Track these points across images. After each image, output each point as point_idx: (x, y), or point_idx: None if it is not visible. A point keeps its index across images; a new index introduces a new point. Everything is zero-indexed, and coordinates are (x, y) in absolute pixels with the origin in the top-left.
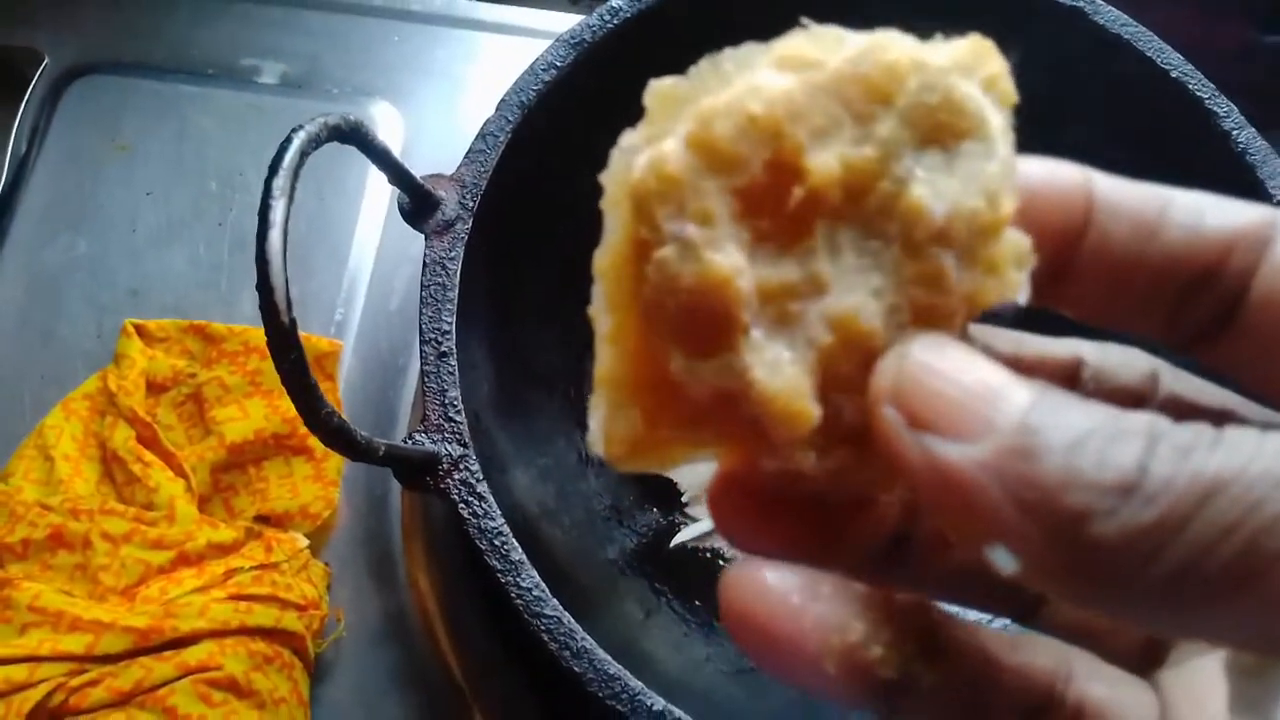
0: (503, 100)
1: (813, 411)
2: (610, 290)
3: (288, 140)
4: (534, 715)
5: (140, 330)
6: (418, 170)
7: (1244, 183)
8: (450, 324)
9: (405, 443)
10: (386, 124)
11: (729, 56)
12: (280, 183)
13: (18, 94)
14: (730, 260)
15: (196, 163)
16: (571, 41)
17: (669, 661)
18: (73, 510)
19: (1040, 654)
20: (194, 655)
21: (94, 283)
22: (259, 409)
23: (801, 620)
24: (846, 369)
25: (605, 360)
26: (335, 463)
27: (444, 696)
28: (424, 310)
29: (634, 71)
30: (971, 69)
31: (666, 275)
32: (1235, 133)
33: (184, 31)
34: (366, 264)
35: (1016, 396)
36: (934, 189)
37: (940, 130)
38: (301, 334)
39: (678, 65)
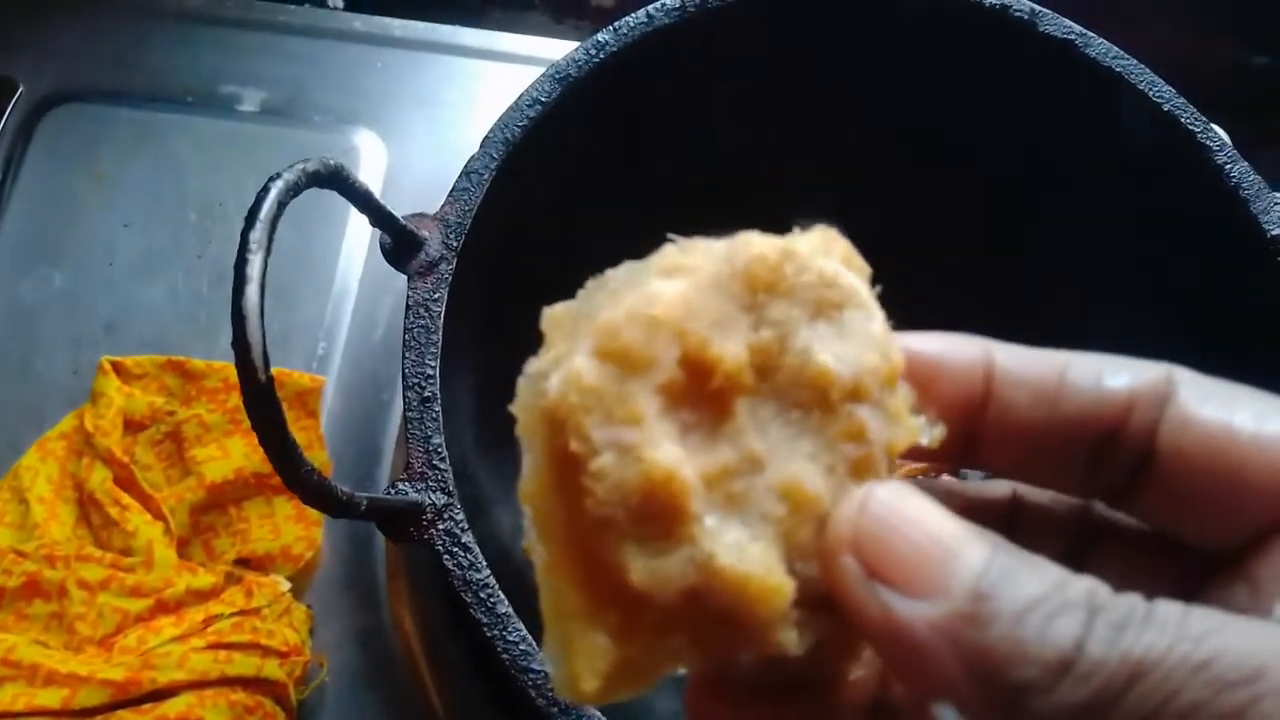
0: (487, 137)
1: (787, 584)
2: (541, 521)
3: (265, 189)
4: None
5: (117, 367)
6: (402, 201)
7: (1237, 217)
8: (434, 369)
9: (388, 493)
10: (370, 153)
11: (612, 277)
12: (257, 235)
13: None
14: (670, 454)
15: (175, 193)
16: (557, 76)
17: (662, 711)
18: (48, 557)
19: None
20: (173, 708)
21: (70, 317)
22: (239, 448)
23: None
24: (803, 537)
25: (551, 595)
26: None
27: None
28: (407, 355)
29: (619, 105)
30: (827, 252)
31: (609, 483)
32: (1228, 167)
33: (162, 58)
34: (350, 296)
35: (971, 554)
36: (835, 354)
37: (822, 305)
38: (284, 370)
39: (660, 98)
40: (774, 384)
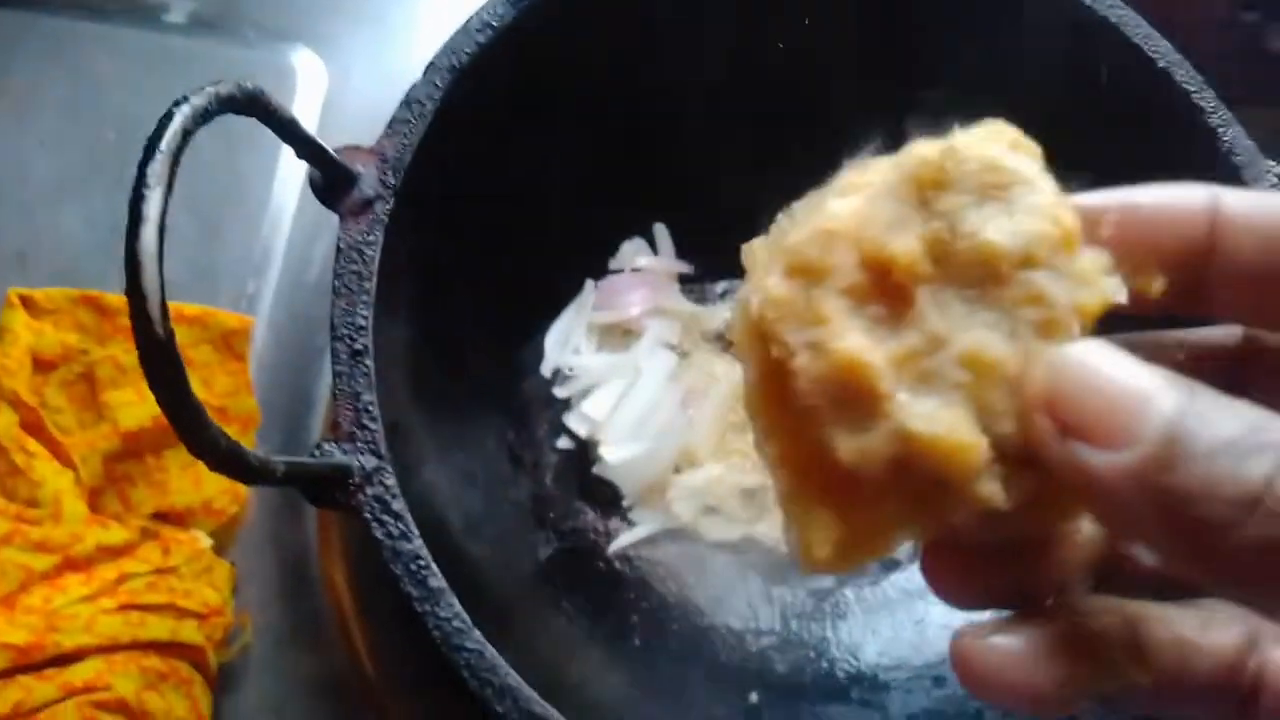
0: (431, 63)
1: (978, 440)
2: (763, 423)
3: (168, 115)
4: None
5: (26, 301)
6: (343, 130)
7: (1229, 181)
8: (367, 319)
9: (313, 455)
10: (308, 74)
11: (797, 208)
12: (156, 168)
13: None
14: (855, 343)
15: (94, 111)
16: None
17: (596, 685)
18: None
19: (1229, 628)
20: (80, 674)
21: None
22: None
23: (1033, 674)
24: (993, 400)
25: (781, 483)
26: None
27: (361, 706)
28: (336, 303)
29: (580, 32)
30: (994, 139)
31: (808, 377)
32: (1222, 130)
33: None
34: (282, 230)
35: (1163, 401)
36: (1000, 229)
37: (987, 189)
38: (209, 309)
39: (617, 27)
40: (950, 270)
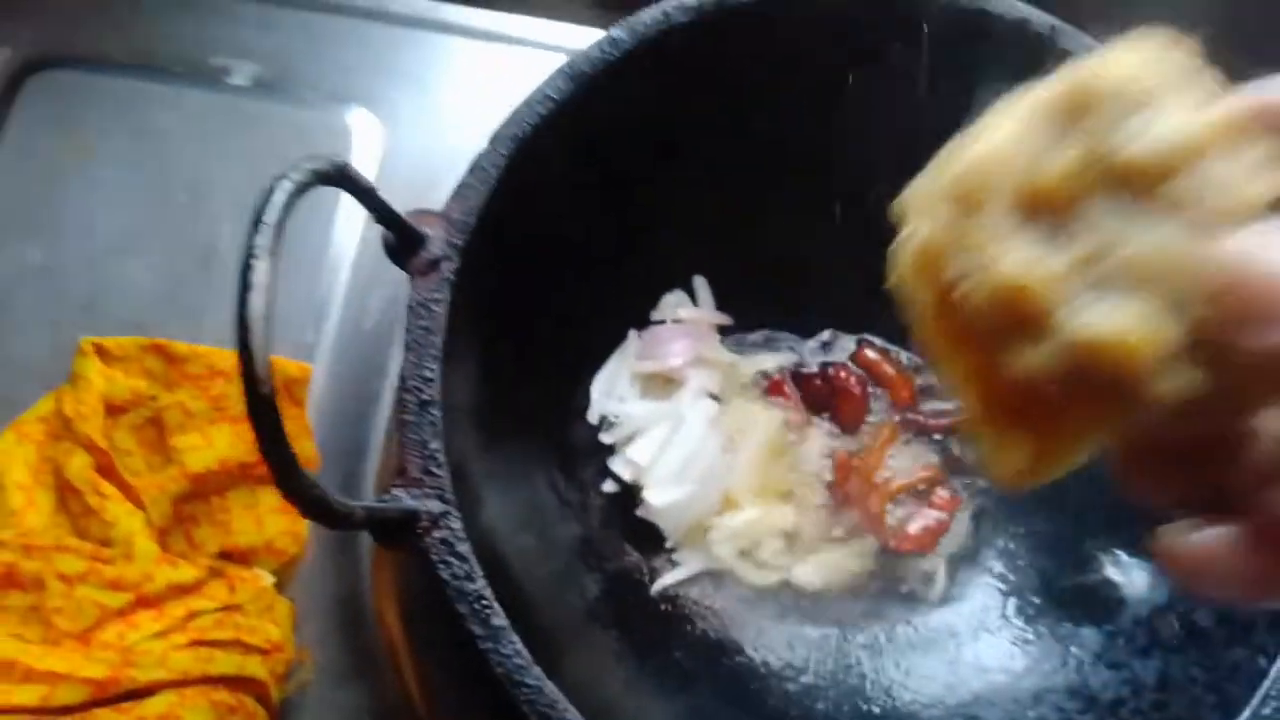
0: (496, 134)
1: (1162, 330)
2: (941, 352)
3: (271, 190)
4: None
5: (99, 349)
6: (397, 185)
7: None
8: (434, 371)
9: (383, 500)
10: (364, 132)
11: (948, 150)
12: (263, 241)
13: None
14: (1015, 263)
15: (160, 167)
16: (569, 73)
17: (649, 717)
18: (26, 547)
19: None
20: (153, 708)
21: (48, 295)
22: (224, 436)
23: (1242, 564)
24: (1173, 291)
25: (969, 407)
26: None
27: None
28: (407, 356)
29: (630, 104)
30: (1138, 50)
31: (974, 300)
32: None
33: (150, 26)
34: (339, 283)
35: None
36: (1149, 136)
37: (1134, 100)
38: (272, 357)
39: (675, 97)
40: (1109, 182)
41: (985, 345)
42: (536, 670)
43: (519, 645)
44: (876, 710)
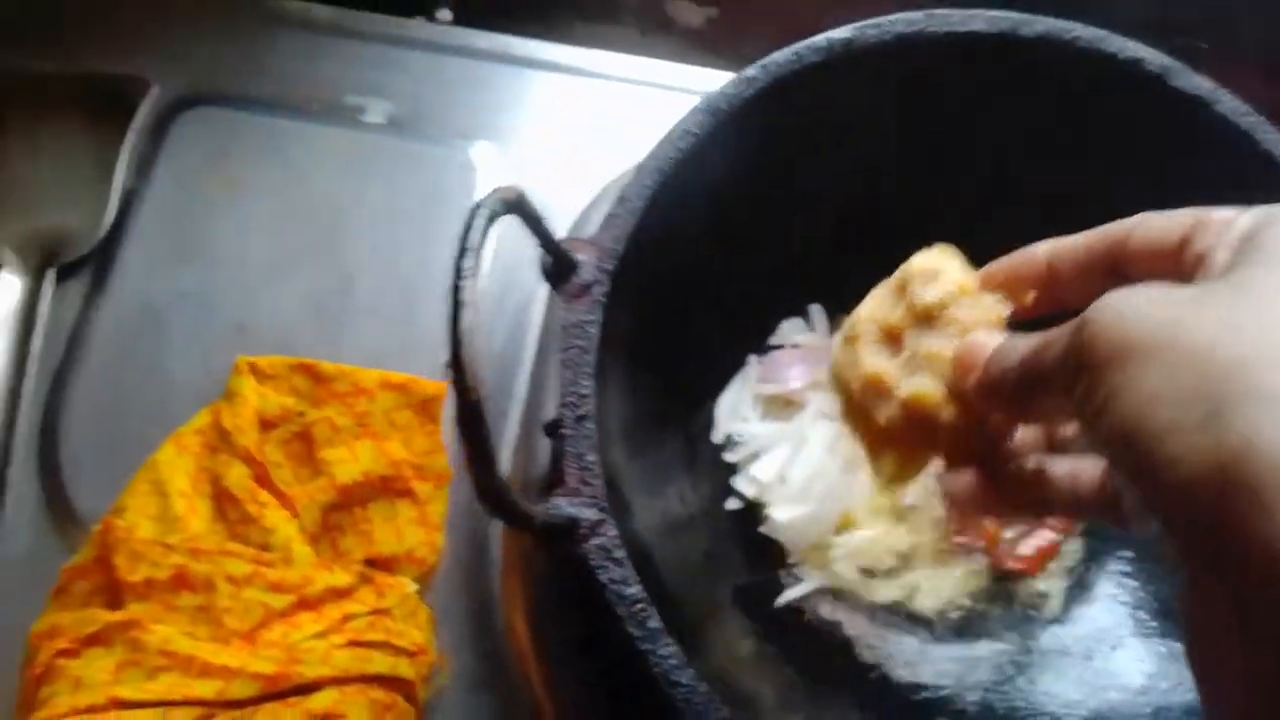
0: (641, 165)
1: (940, 392)
2: (848, 418)
3: (473, 216)
4: None
5: (253, 367)
6: None
7: None
8: (589, 388)
9: (547, 508)
10: (488, 167)
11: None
12: (469, 263)
13: (124, 123)
14: (872, 363)
15: (304, 199)
16: (708, 109)
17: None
18: (193, 551)
19: (1095, 463)
20: (319, 703)
21: (202, 318)
22: (367, 451)
23: (983, 497)
24: (944, 373)
25: (861, 444)
26: (438, 507)
27: None
28: (564, 373)
29: (761, 140)
30: (934, 255)
31: (857, 385)
32: None
33: (290, 67)
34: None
35: (994, 343)
36: (932, 294)
37: (927, 277)
38: (410, 376)
39: (802, 132)
40: (919, 318)
41: (865, 407)
42: (691, 671)
43: (675, 647)
44: (1014, 712)
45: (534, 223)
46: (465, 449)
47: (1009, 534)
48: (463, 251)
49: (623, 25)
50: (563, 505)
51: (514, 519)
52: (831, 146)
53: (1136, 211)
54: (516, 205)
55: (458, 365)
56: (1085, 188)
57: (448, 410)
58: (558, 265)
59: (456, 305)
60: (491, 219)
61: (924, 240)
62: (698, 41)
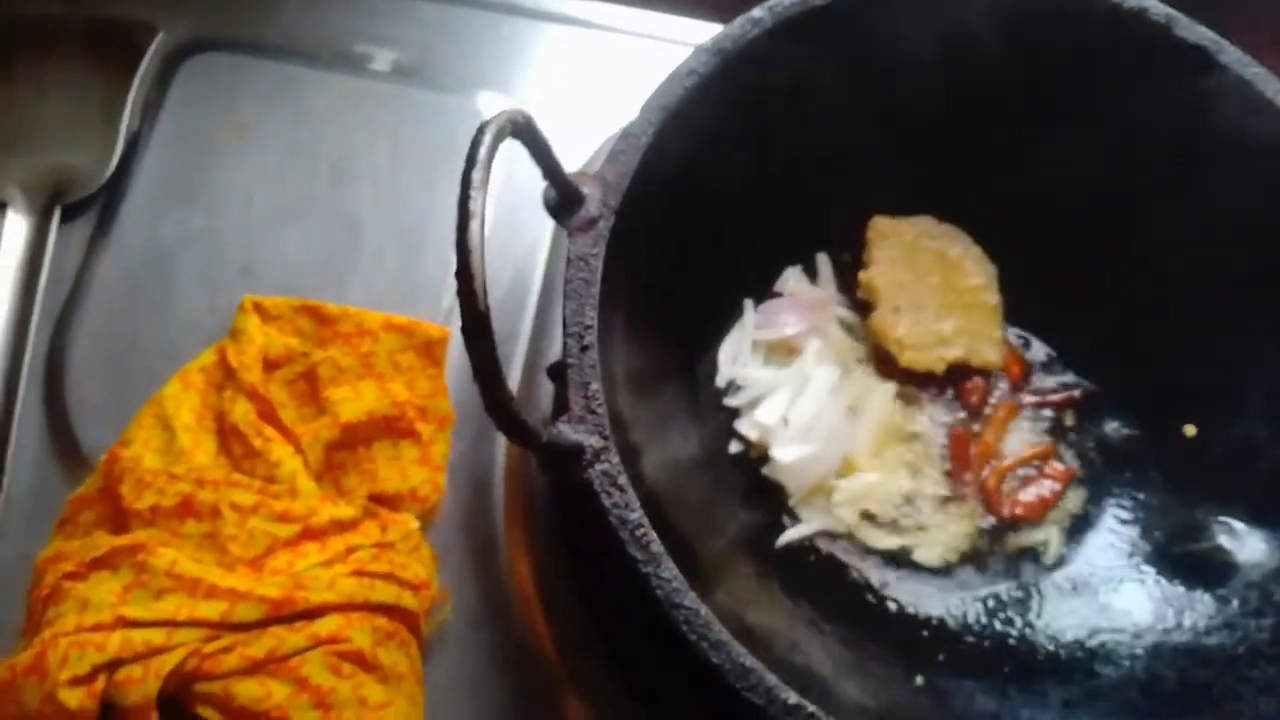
0: (646, 104)
1: None
2: None
3: (480, 133)
4: (623, 695)
5: (258, 307)
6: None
7: None
8: (593, 318)
9: (552, 430)
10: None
11: None
12: (478, 175)
13: (132, 67)
14: None
15: (311, 144)
16: (714, 49)
17: (795, 655)
18: (199, 480)
19: None
20: (324, 627)
21: (207, 258)
22: (371, 391)
23: None
24: None
25: None
26: (441, 448)
27: (540, 678)
28: (567, 304)
29: (766, 81)
30: None
31: None
32: None
33: (299, 14)
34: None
35: None
36: None
37: None
38: (413, 320)
39: (808, 74)
40: None
41: None
42: (693, 595)
43: (676, 571)
44: (1009, 658)
45: (541, 150)
46: (472, 360)
47: (1009, 482)
48: (471, 163)
49: None
50: (567, 431)
51: (520, 434)
52: (838, 90)
53: (1139, 156)
54: (524, 129)
55: (464, 274)
56: (1086, 133)
57: (451, 355)
58: (562, 198)
59: (465, 216)
60: (499, 136)
61: (936, 189)
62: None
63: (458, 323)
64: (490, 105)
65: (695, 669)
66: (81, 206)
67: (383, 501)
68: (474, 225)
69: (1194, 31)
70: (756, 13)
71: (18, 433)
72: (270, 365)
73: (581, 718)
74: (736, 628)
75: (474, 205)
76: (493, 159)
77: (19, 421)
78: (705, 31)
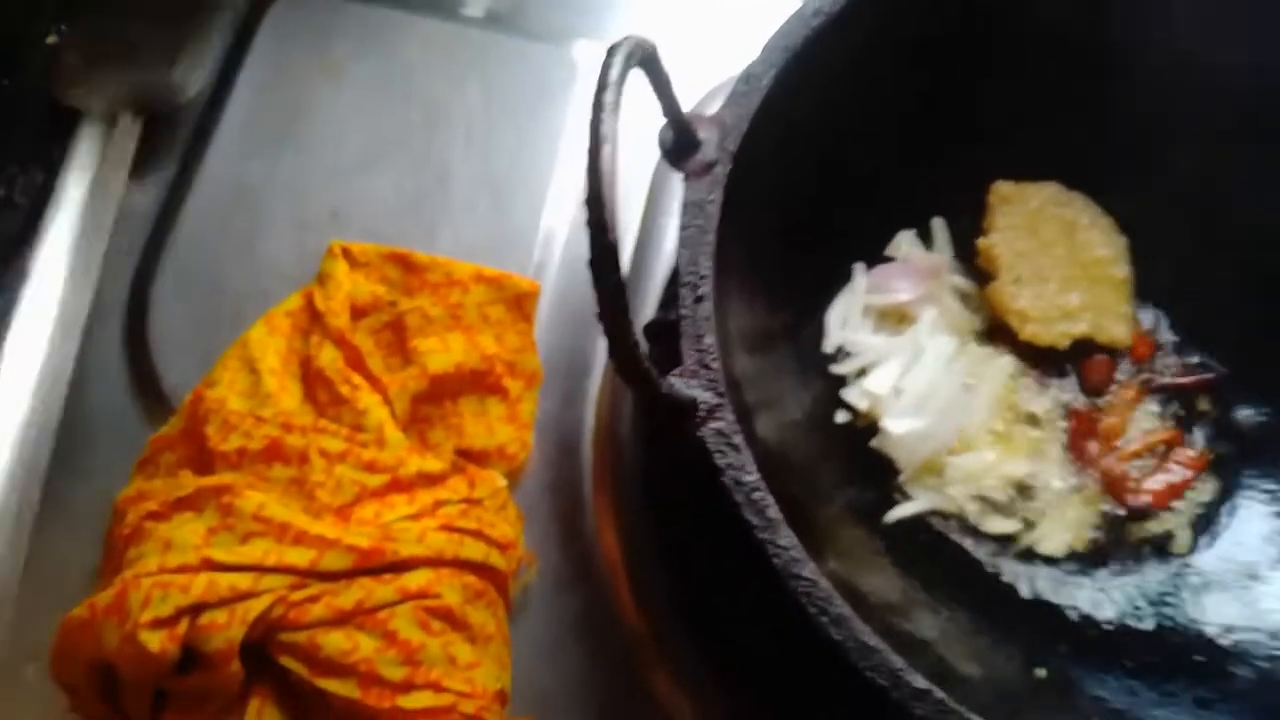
0: (768, 44)
1: None
2: None
3: (611, 54)
4: (711, 669)
5: (346, 252)
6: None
7: None
8: (709, 268)
9: (667, 383)
10: (587, 64)
11: None
12: (609, 97)
13: (223, 4)
14: None
15: (403, 89)
16: None
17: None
18: (286, 425)
19: None
20: (413, 581)
21: (297, 201)
22: (459, 343)
23: None
24: None
25: None
26: (528, 406)
27: (624, 648)
28: (682, 252)
29: (896, 29)
30: None
31: None
32: None
33: None
34: (566, 211)
35: None
36: None
37: None
38: (503, 272)
39: (937, 24)
40: None
41: None
42: (812, 565)
43: (794, 538)
44: (1118, 653)
45: (662, 85)
46: (599, 295)
47: (1135, 468)
48: (603, 86)
49: None
50: (680, 385)
51: (641, 380)
52: (967, 42)
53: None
54: (650, 59)
55: (595, 202)
56: (1222, 90)
57: (541, 309)
58: (679, 140)
59: (596, 140)
60: (629, 60)
61: (1061, 154)
62: None
63: (547, 277)
64: (585, 55)
65: (807, 646)
66: (166, 138)
67: (469, 457)
68: (606, 150)
69: None
70: None
71: (97, 366)
72: (357, 313)
73: (666, 690)
74: (850, 598)
75: (606, 129)
76: (624, 82)
77: (98, 353)
78: None
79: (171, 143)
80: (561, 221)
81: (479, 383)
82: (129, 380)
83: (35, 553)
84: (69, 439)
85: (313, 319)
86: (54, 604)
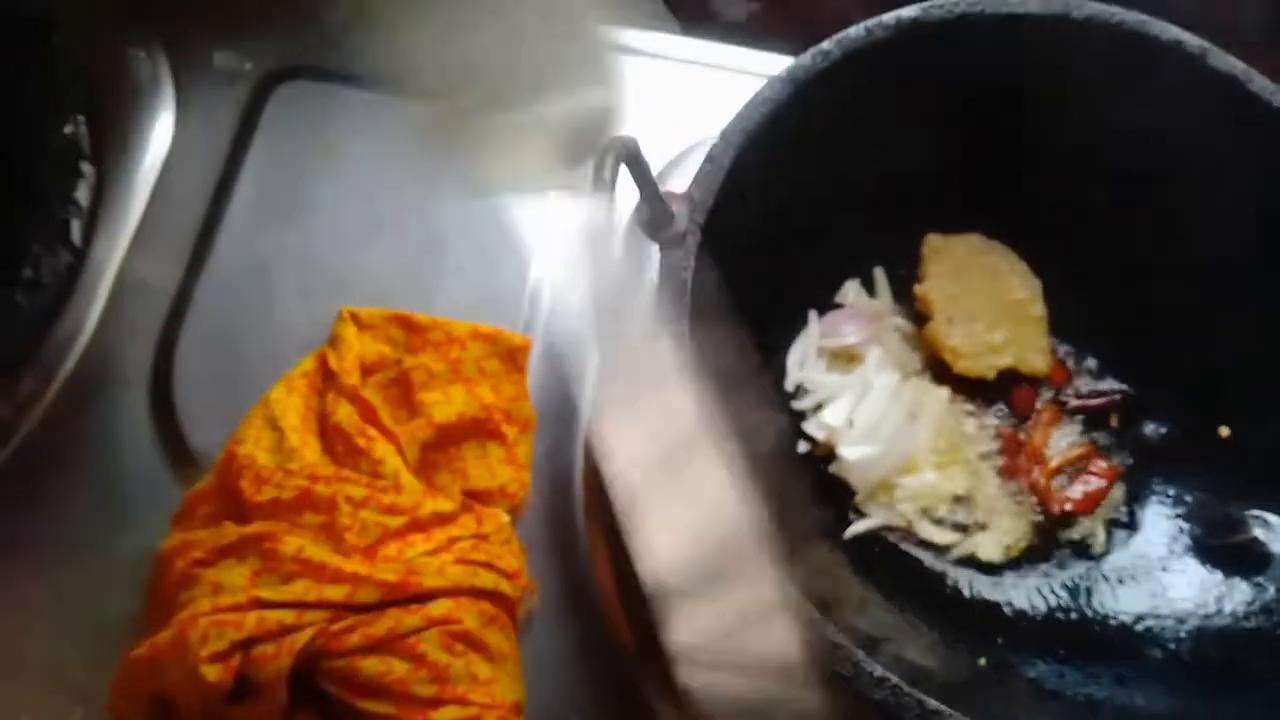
0: (726, 129)
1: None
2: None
3: (604, 154)
4: None
5: (354, 316)
6: None
7: None
8: (685, 328)
9: None
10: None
11: None
12: (605, 176)
13: (226, 94)
14: None
15: (395, 168)
16: (788, 79)
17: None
18: (313, 476)
19: None
20: (437, 609)
21: (304, 271)
22: (460, 394)
23: None
24: None
25: None
26: (525, 449)
27: (620, 666)
28: (659, 313)
29: (834, 108)
30: None
31: None
32: None
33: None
34: (549, 271)
35: None
36: None
37: None
38: (499, 329)
39: (870, 102)
40: None
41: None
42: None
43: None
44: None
45: (643, 173)
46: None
47: (1058, 480)
48: (598, 171)
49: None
50: None
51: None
52: (897, 117)
53: (1174, 178)
54: (634, 155)
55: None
56: (1123, 158)
57: (532, 362)
58: (655, 215)
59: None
60: (618, 160)
61: (989, 211)
62: (739, 34)
63: (536, 331)
64: None
65: None
66: (181, 215)
67: (475, 497)
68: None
69: (1226, 62)
70: (825, 45)
71: (127, 429)
72: (366, 371)
73: (659, 705)
74: (818, 606)
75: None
76: (616, 180)
77: (128, 417)
78: (753, 60)
79: (185, 219)
80: (546, 282)
81: (479, 430)
82: (158, 442)
83: (79, 602)
84: (108, 498)
85: (326, 378)
86: (98, 650)
